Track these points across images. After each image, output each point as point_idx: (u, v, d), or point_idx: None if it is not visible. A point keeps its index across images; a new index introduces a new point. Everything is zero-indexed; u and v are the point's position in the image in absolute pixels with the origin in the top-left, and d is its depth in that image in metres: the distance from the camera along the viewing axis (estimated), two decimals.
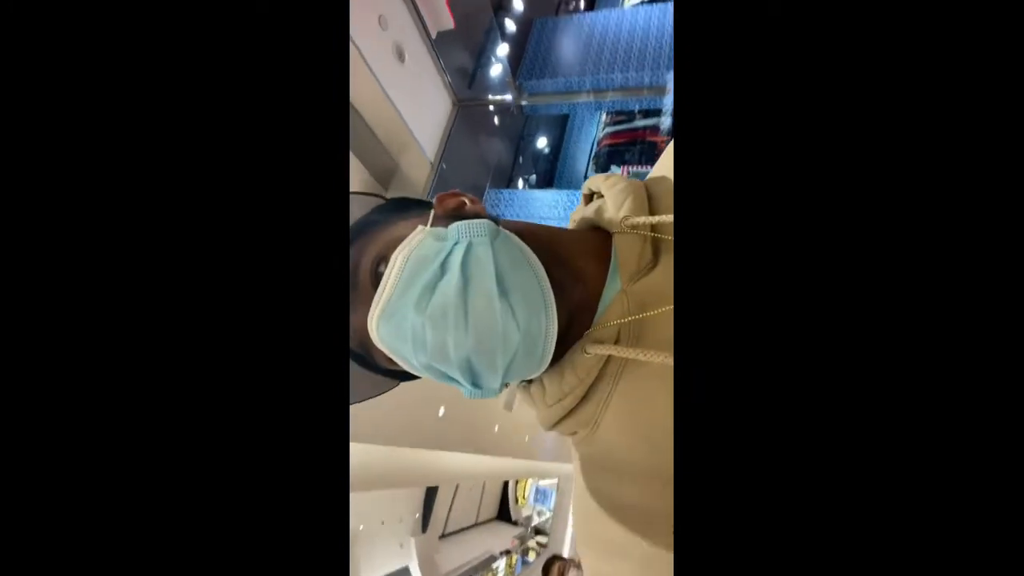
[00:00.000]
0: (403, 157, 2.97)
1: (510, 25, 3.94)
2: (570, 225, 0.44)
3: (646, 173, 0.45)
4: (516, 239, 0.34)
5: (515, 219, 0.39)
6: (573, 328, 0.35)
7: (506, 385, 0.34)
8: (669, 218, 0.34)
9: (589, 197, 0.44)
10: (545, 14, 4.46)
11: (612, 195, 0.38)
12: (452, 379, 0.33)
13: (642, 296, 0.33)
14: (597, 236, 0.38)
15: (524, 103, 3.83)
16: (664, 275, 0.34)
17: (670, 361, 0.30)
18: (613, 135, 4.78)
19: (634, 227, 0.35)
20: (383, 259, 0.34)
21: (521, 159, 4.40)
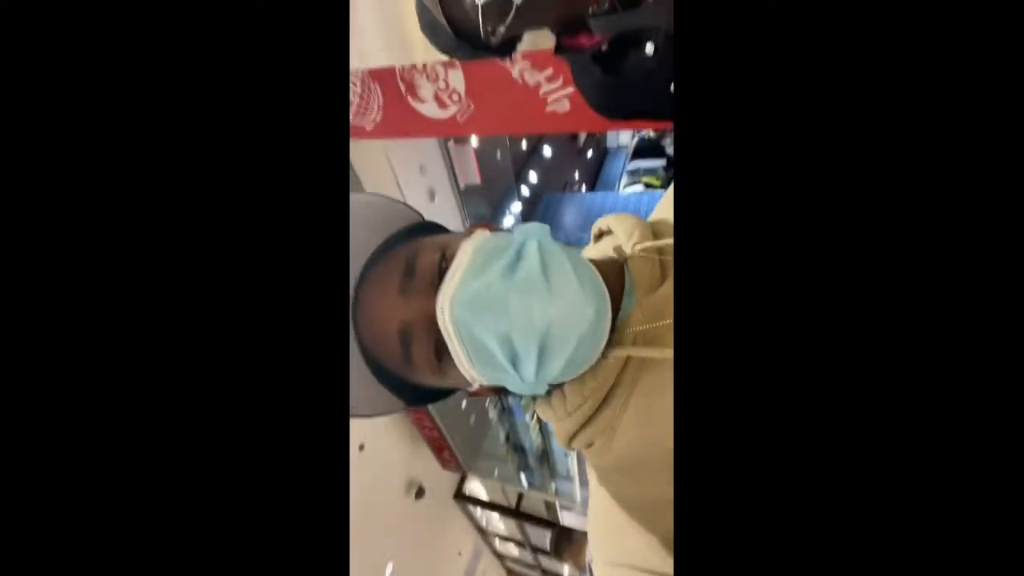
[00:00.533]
0: None
1: (525, 190, 4.65)
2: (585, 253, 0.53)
3: None
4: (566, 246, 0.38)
5: None
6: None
7: (550, 388, 0.37)
8: (672, 242, 0.41)
9: (599, 235, 0.50)
10: (554, 190, 5.30)
11: (622, 228, 0.44)
12: (509, 365, 0.34)
13: (654, 308, 0.37)
14: (612, 263, 0.44)
15: None
16: (671, 289, 0.38)
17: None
18: None
19: (644, 251, 0.41)
20: (444, 256, 0.35)
21: None
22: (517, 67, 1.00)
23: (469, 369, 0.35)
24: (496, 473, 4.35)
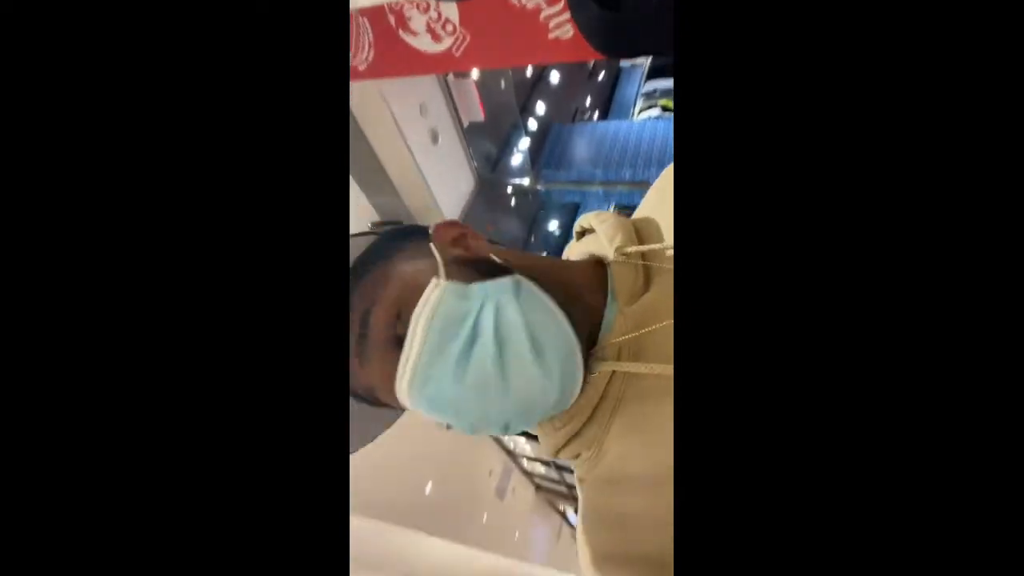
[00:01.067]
0: (424, 222, 3.18)
1: (532, 124, 4.43)
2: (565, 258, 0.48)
3: None
4: (535, 288, 0.35)
5: (514, 251, 0.41)
6: (584, 345, 0.36)
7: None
8: (657, 246, 0.40)
9: (581, 233, 0.48)
10: (562, 120, 5.03)
11: (604, 229, 0.42)
12: (473, 432, 0.35)
13: (638, 316, 0.36)
14: (593, 266, 0.41)
15: (540, 188, 4.16)
16: (656, 296, 0.37)
17: (670, 371, 0.33)
18: None
19: (627, 256, 0.39)
20: (398, 316, 0.33)
21: (533, 238, 4.64)
22: None
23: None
24: None
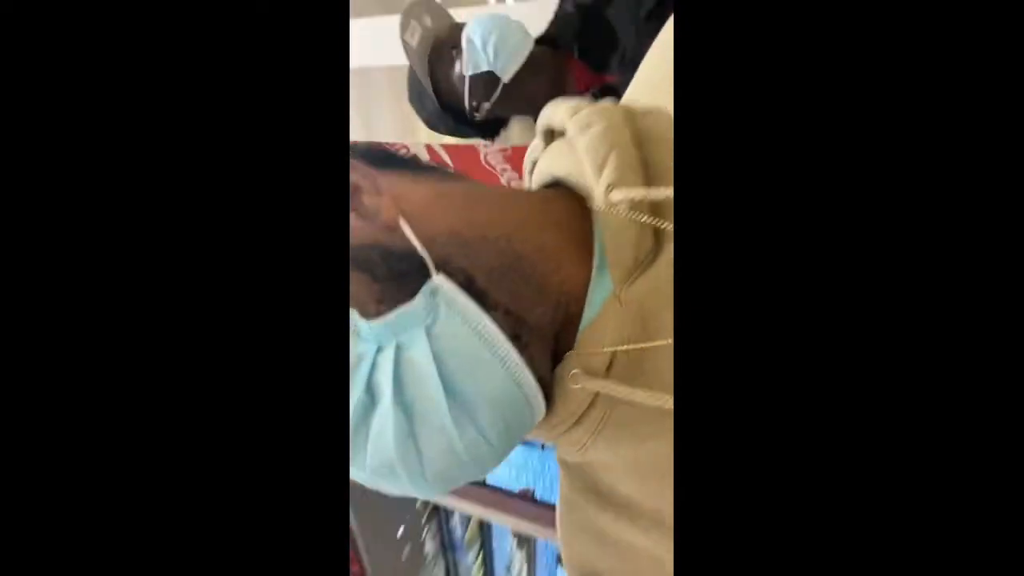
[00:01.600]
0: None
1: None
2: (524, 177, 0.32)
3: None
4: (460, 301, 0.23)
5: (435, 200, 0.25)
6: (560, 345, 0.26)
7: None
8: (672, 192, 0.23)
9: (549, 134, 0.30)
10: None
11: (587, 146, 0.25)
12: None
13: (640, 302, 0.24)
14: (568, 207, 0.26)
15: None
16: (669, 275, 0.24)
17: (670, 406, 0.22)
18: None
19: (628, 206, 0.24)
20: None
21: None
22: (484, 151, 1.05)
23: None
24: None
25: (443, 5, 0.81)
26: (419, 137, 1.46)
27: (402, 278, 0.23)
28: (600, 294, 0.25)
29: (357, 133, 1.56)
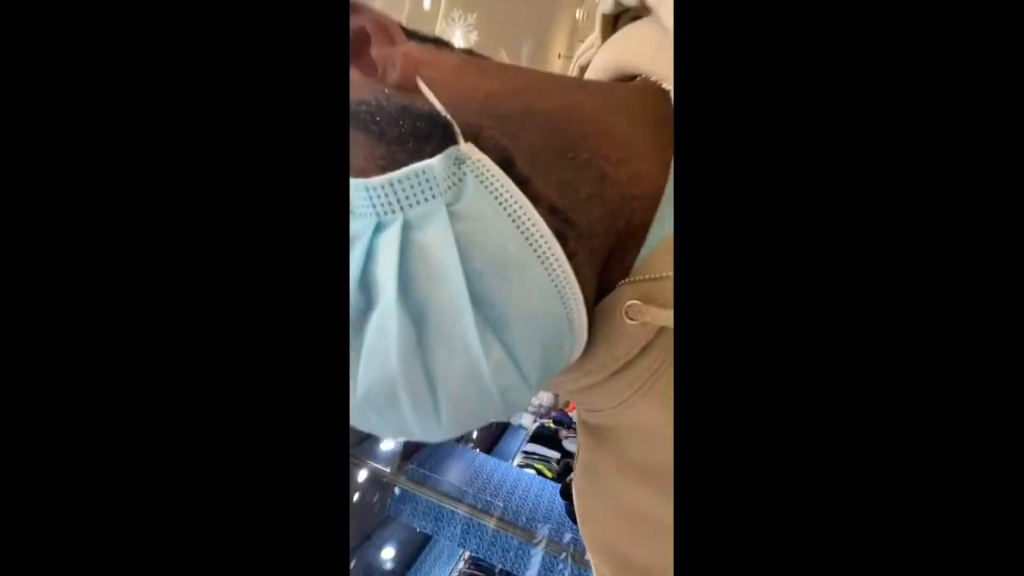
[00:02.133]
0: None
1: None
2: (575, 70, 0.26)
3: None
4: (495, 176, 0.18)
5: (475, 61, 0.21)
6: (611, 266, 0.21)
7: None
8: None
9: (610, 23, 0.24)
10: (447, 444, 5.06)
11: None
12: None
13: None
14: (644, 97, 0.21)
15: (397, 489, 3.70)
16: None
17: None
18: None
19: None
20: None
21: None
22: None
23: None
24: None
25: None
26: None
27: (419, 141, 0.17)
28: (668, 210, 0.19)
29: None
